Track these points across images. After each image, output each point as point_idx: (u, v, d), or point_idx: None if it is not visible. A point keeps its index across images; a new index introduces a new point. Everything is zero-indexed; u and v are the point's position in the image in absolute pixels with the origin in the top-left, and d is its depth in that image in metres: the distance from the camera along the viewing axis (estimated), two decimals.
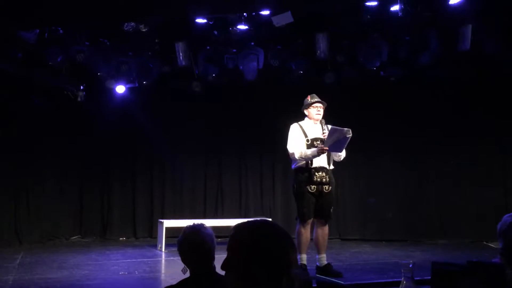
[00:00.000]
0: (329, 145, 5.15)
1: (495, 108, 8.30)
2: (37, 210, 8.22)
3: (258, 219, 1.57)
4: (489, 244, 7.93)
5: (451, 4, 6.46)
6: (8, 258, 6.59)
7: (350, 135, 5.07)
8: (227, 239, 1.54)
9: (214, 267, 2.66)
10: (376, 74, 7.95)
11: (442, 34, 7.12)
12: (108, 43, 7.40)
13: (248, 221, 1.54)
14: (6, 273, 5.58)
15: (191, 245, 2.60)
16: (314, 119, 5.42)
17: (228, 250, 1.50)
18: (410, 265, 2.65)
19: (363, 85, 8.35)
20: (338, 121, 5.53)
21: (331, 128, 5.19)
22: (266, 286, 1.42)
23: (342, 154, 5.42)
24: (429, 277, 3.96)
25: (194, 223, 2.75)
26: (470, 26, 6.76)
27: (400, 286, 2.46)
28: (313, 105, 5.41)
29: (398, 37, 7.42)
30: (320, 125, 5.43)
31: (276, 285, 1.42)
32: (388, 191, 8.73)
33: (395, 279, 4.80)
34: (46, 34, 6.76)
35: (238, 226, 1.54)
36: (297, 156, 5.28)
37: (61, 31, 6.89)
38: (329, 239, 5.68)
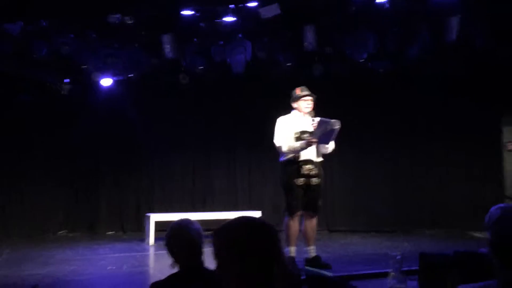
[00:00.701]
0: (318, 137, 5.14)
1: (484, 100, 8.37)
2: (24, 205, 8.14)
3: (237, 217, 1.57)
4: (476, 234, 8.02)
5: None
6: None
7: (339, 126, 5.06)
8: (219, 226, 1.54)
9: (203, 262, 2.65)
10: (364, 66, 7.96)
11: (430, 25, 7.14)
12: (93, 36, 7.31)
13: (224, 224, 1.54)
14: None
15: (178, 241, 2.58)
16: (303, 112, 5.40)
17: (215, 257, 1.49)
18: (398, 257, 2.67)
19: (351, 77, 8.36)
20: (326, 113, 5.51)
21: (319, 120, 5.17)
22: (260, 279, 1.43)
23: (330, 146, 5.42)
24: (417, 268, 4.01)
25: (181, 219, 2.72)
26: (457, 17, 6.78)
27: (389, 277, 2.48)
28: (302, 98, 5.39)
29: (385, 28, 7.42)
30: (308, 118, 5.41)
31: (269, 275, 1.44)
32: (376, 182, 8.78)
33: (384, 270, 4.83)
34: (29, 27, 6.65)
35: (216, 231, 1.53)
36: (285, 149, 5.26)
37: (45, 24, 6.78)
38: (317, 230, 5.69)
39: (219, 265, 1.49)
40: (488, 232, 2.87)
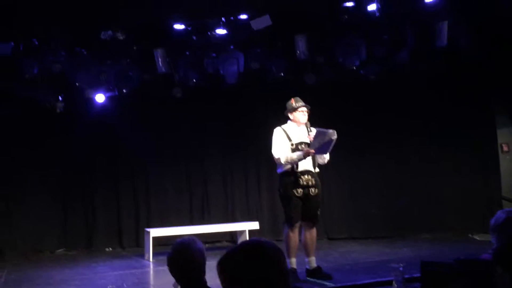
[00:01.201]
0: (315, 147, 5.16)
1: (474, 100, 8.42)
2: (20, 224, 8.06)
3: (240, 243, 1.56)
4: (474, 237, 8.04)
5: (427, 2, 6.54)
6: None
7: (335, 137, 5.08)
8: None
9: (205, 282, 2.64)
10: (356, 73, 7.99)
11: (419, 31, 7.20)
12: (85, 53, 7.30)
13: (228, 253, 1.53)
14: None
15: (181, 261, 2.57)
16: (300, 122, 5.41)
17: (222, 285, 1.49)
18: (400, 268, 2.66)
19: (344, 85, 8.38)
20: (320, 122, 5.54)
21: (316, 131, 5.17)
22: None
23: (326, 157, 5.43)
24: (419, 275, 3.99)
25: (183, 238, 2.71)
26: (446, 23, 6.84)
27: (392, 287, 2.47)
28: (298, 109, 5.40)
29: (376, 36, 7.47)
30: (304, 128, 5.42)
31: None
32: (372, 188, 8.78)
33: (385, 279, 4.84)
34: (21, 46, 6.64)
35: (221, 260, 1.52)
36: (283, 160, 5.26)
37: (36, 43, 6.77)
38: (317, 239, 5.68)
39: None
40: (493, 237, 2.84)
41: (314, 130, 5.33)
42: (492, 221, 3.41)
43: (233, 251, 1.53)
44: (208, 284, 2.64)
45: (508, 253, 1.99)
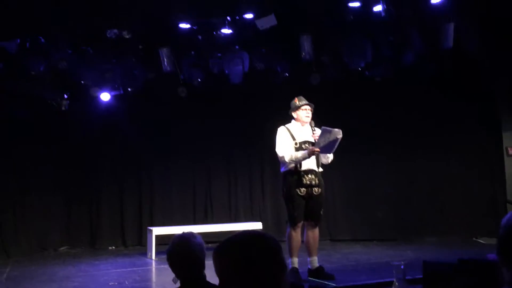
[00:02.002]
0: (320, 146, 5.13)
1: (480, 104, 8.38)
2: (23, 221, 8.09)
3: (237, 233, 1.54)
4: (479, 240, 7.99)
5: (433, 3, 6.51)
6: None
7: (341, 136, 5.06)
8: (218, 244, 1.52)
9: (205, 276, 2.63)
10: (361, 74, 7.97)
11: (425, 33, 7.18)
12: (91, 51, 7.33)
13: (224, 242, 1.51)
14: None
15: (180, 255, 2.56)
16: (303, 121, 5.39)
17: (218, 275, 1.47)
18: (402, 266, 2.64)
19: (349, 86, 8.37)
20: (325, 123, 5.51)
21: (322, 129, 5.14)
22: None
23: (330, 157, 5.41)
24: (421, 276, 3.97)
25: (183, 232, 2.71)
26: (452, 24, 6.82)
27: (393, 287, 2.45)
28: (302, 107, 5.39)
29: (381, 37, 7.45)
30: (308, 127, 5.41)
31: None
32: (377, 191, 8.75)
33: (387, 279, 4.80)
34: (27, 44, 6.67)
35: (217, 249, 1.50)
36: (287, 159, 5.25)
37: (42, 40, 6.80)
38: (320, 240, 5.66)
39: (222, 283, 1.46)
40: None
41: (318, 130, 5.31)
42: (503, 220, 3.39)
43: (229, 238, 1.51)
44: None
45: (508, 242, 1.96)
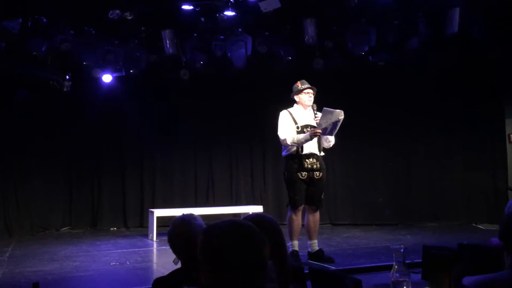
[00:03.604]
0: (322, 128, 5.12)
1: (482, 92, 8.34)
2: (27, 202, 8.14)
3: (227, 220, 1.53)
4: (479, 226, 8.03)
5: None
6: None
7: (343, 116, 5.04)
8: (213, 224, 1.51)
9: None
10: (364, 59, 7.93)
11: (430, 18, 7.11)
12: (93, 32, 7.29)
13: (216, 224, 1.51)
14: None
15: (181, 237, 2.57)
16: (305, 105, 5.38)
17: (200, 254, 1.48)
18: (401, 250, 2.66)
19: (352, 71, 8.33)
20: (326, 106, 5.49)
21: (324, 110, 5.11)
22: (240, 286, 1.41)
23: (332, 140, 5.41)
24: (420, 260, 3.99)
25: (183, 214, 2.72)
26: (457, 9, 6.75)
27: (392, 270, 2.47)
28: (304, 91, 5.37)
29: (386, 22, 7.39)
30: (310, 111, 5.40)
31: (248, 285, 1.42)
32: (378, 176, 8.77)
33: (386, 263, 4.84)
34: (29, 24, 6.63)
35: (207, 230, 1.51)
36: (289, 142, 5.25)
37: (44, 20, 6.75)
38: (320, 224, 5.69)
39: (200, 262, 1.46)
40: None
41: (320, 114, 5.30)
42: (507, 207, 3.42)
43: (212, 227, 1.50)
44: None
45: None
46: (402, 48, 7.58)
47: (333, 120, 5.06)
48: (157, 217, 7.31)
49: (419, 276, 3.65)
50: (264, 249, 1.47)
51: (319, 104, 5.49)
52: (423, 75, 8.36)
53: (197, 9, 6.85)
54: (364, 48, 7.56)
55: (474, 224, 8.12)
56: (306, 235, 5.49)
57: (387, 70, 8.26)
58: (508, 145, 8.40)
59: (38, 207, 8.30)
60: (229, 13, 6.91)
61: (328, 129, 5.13)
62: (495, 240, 3.35)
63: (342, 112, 5.04)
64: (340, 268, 4.89)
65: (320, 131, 5.13)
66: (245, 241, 1.45)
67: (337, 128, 5.14)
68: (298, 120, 5.34)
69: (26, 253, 6.37)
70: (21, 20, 6.41)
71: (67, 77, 7.83)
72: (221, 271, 1.41)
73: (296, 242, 5.32)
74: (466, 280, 1.92)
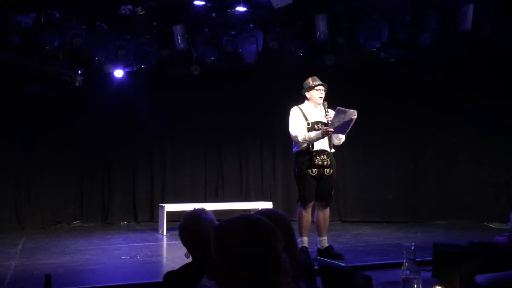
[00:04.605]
0: (334, 126, 5.11)
1: (495, 88, 8.25)
2: (38, 196, 8.23)
3: (237, 216, 1.53)
4: (490, 225, 7.96)
5: None
6: (10, 243, 6.62)
7: (355, 116, 5.03)
8: (224, 221, 1.52)
9: None
10: (376, 56, 7.88)
11: (443, 14, 7.04)
12: (105, 27, 7.32)
13: (227, 221, 1.51)
14: (8, 259, 5.59)
15: (192, 231, 2.58)
16: (316, 102, 5.36)
17: (213, 252, 1.48)
18: (412, 247, 2.64)
19: (363, 67, 8.28)
20: (338, 104, 5.47)
21: (337, 109, 5.11)
22: (254, 282, 1.41)
23: (342, 138, 5.39)
24: (431, 258, 3.98)
25: (194, 208, 2.73)
26: (471, 5, 6.68)
27: (402, 267, 2.46)
28: (315, 87, 5.35)
29: (398, 17, 7.33)
30: (321, 108, 5.38)
31: (264, 279, 1.42)
32: (389, 173, 8.73)
33: (396, 260, 4.83)
34: (42, 19, 6.68)
35: (218, 227, 1.51)
36: (300, 139, 5.24)
37: (57, 15, 6.80)
38: (330, 221, 5.68)
39: (214, 260, 1.47)
40: None
41: (331, 111, 5.29)
42: None
43: (225, 224, 1.51)
44: None
45: None
46: (414, 44, 7.53)
47: (346, 119, 5.04)
48: (167, 212, 7.35)
49: (429, 274, 3.64)
50: (277, 241, 1.47)
51: (330, 100, 5.47)
52: (435, 71, 8.29)
53: (209, 5, 6.85)
54: (376, 44, 7.51)
55: (485, 223, 8.05)
56: (316, 231, 5.48)
57: (398, 66, 8.20)
58: None
59: (49, 201, 8.39)
60: (240, 8, 6.91)
61: (340, 128, 5.12)
62: (499, 238, 3.32)
63: (355, 112, 5.02)
64: (350, 265, 4.88)
65: (332, 130, 5.11)
66: (257, 234, 1.45)
67: (350, 127, 5.13)
68: (309, 117, 5.33)
69: (38, 246, 6.44)
70: (34, 15, 6.45)
71: (79, 72, 7.88)
72: (236, 266, 1.41)
73: (305, 239, 5.32)
74: (479, 278, 1.91)
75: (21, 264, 5.32)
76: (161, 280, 2.55)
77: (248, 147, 9.15)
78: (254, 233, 1.45)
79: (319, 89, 5.34)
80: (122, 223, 8.74)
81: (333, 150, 5.43)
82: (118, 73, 8.04)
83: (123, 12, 6.69)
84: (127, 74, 8.21)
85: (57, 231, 7.89)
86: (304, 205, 5.31)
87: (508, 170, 8.37)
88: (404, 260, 2.42)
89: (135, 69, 8.05)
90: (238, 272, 1.42)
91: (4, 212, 7.68)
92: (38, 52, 7.13)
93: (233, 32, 7.65)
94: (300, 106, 5.44)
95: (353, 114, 5.01)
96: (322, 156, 5.27)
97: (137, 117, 8.78)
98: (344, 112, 5.03)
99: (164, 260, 5.82)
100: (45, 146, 8.37)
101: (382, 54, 7.93)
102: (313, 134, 5.20)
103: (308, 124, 5.29)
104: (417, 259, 2.41)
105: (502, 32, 7.07)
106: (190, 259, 2.64)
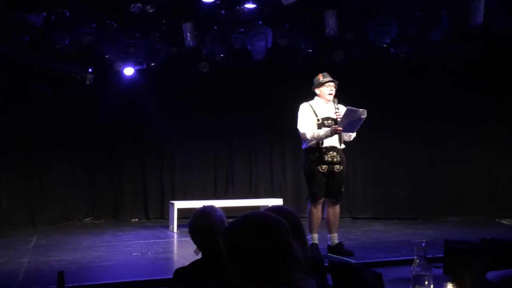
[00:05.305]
0: (343, 125, 5.10)
1: (507, 85, 8.16)
2: (50, 193, 8.32)
3: (242, 216, 1.52)
4: (502, 221, 7.89)
5: None
6: (23, 240, 6.69)
7: (365, 115, 5.01)
8: (235, 220, 1.52)
9: None
10: (386, 52, 7.83)
11: (453, 8, 6.98)
12: (115, 25, 7.36)
13: (236, 220, 1.51)
14: (21, 255, 5.66)
15: (201, 228, 2.60)
16: (326, 98, 5.35)
17: (225, 252, 1.48)
18: (423, 244, 2.63)
19: (373, 63, 8.24)
20: (347, 100, 5.46)
21: (347, 109, 5.10)
22: (267, 278, 1.41)
23: (353, 134, 5.37)
24: (442, 255, 3.95)
25: (204, 205, 2.74)
26: (483, 0, 6.60)
27: (413, 264, 2.45)
28: (325, 84, 5.33)
29: (407, 13, 7.28)
30: (331, 104, 5.36)
31: (277, 275, 1.42)
32: (399, 170, 8.69)
33: (407, 257, 4.81)
34: (52, 17, 6.72)
35: (226, 231, 1.51)
36: (308, 136, 5.23)
37: (67, 14, 6.85)
38: (340, 218, 5.67)
39: (225, 259, 1.47)
40: None
41: (341, 107, 5.27)
42: None
43: (234, 223, 1.51)
44: None
45: None
46: (424, 40, 7.47)
47: (355, 118, 5.04)
48: (178, 209, 7.38)
49: (440, 270, 3.62)
50: (287, 233, 1.47)
51: (340, 96, 5.45)
52: (445, 67, 8.22)
53: (218, 2, 6.85)
54: (386, 40, 7.46)
55: (497, 219, 7.98)
56: (326, 228, 5.48)
57: (408, 63, 8.14)
58: None
59: (61, 198, 8.47)
60: (249, 5, 6.90)
61: (350, 127, 5.11)
62: None
63: (365, 111, 5.01)
64: (360, 261, 4.86)
65: (341, 128, 5.10)
66: (265, 229, 1.45)
67: (359, 125, 5.12)
68: (319, 113, 5.31)
69: (50, 243, 6.51)
70: (45, 13, 6.50)
71: (90, 70, 7.93)
72: (249, 265, 1.41)
73: (315, 235, 5.32)
74: (491, 275, 1.89)
75: (34, 261, 5.39)
76: (172, 276, 2.57)
77: (258, 143, 9.15)
78: (262, 228, 1.46)
79: (329, 86, 5.32)
80: (133, 220, 8.80)
81: (343, 147, 5.41)
82: (128, 71, 8.08)
83: (132, 10, 6.71)
84: (137, 72, 8.25)
85: (69, 228, 7.97)
86: (314, 202, 5.31)
87: None
88: (415, 257, 2.41)
89: (145, 67, 8.09)
90: (252, 271, 1.42)
91: (16, 209, 7.77)
92: (49, 51, 7.19)
93: (242, 29, 7.66)
94: (309, 102, 5.43)
95: (363, 113, 5.00)
96: (331, 153, 5.25)
97: (147, 115, 8.81)
98: (355, 112, 5.02)
99: (175, 257, 5.85)
100: (57, 143, 8.44)
101: (392, 50, 7.89)
102: (321, 132, 5.18)
103: (318, 120, 5.27)
104: (428, 256, 2.40)
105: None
106: (200, 256, 2.66)
